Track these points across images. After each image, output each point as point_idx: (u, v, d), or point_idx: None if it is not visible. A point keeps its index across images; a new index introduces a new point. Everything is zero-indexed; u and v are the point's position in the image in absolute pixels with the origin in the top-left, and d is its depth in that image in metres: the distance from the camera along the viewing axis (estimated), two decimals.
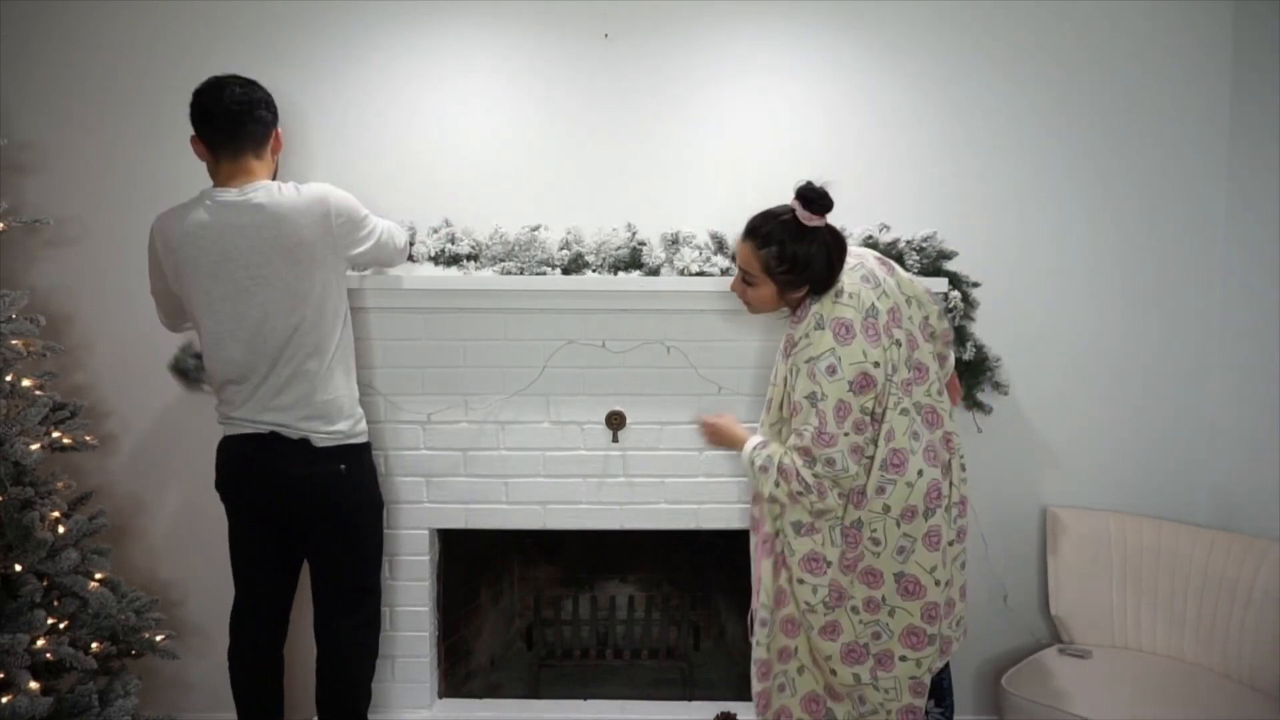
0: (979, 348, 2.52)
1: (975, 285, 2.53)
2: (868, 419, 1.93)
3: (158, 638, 2.29)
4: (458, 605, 2.72)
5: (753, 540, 2.17)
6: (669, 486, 2.53)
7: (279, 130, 2.15)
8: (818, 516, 2.00)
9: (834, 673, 2.07)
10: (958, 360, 2.54)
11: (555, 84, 2.59)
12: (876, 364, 1.91)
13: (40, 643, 1.97)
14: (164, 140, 2.58)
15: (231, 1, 2.55)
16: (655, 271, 2.43)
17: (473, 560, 2.77)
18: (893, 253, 2.45)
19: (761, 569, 2.12)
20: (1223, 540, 2.47)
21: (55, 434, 2.24)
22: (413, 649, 2.57)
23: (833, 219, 1.94)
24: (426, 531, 2.54)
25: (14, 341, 2.10)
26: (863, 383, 1.90)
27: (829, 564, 2.02)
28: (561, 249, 2.45)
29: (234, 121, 2.03)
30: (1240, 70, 2.59)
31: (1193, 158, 2.63)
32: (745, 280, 2.04)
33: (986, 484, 2.72)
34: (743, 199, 2.58)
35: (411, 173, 2.58)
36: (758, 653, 2.14)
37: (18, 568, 2.02)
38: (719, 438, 2.19)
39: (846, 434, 1.90)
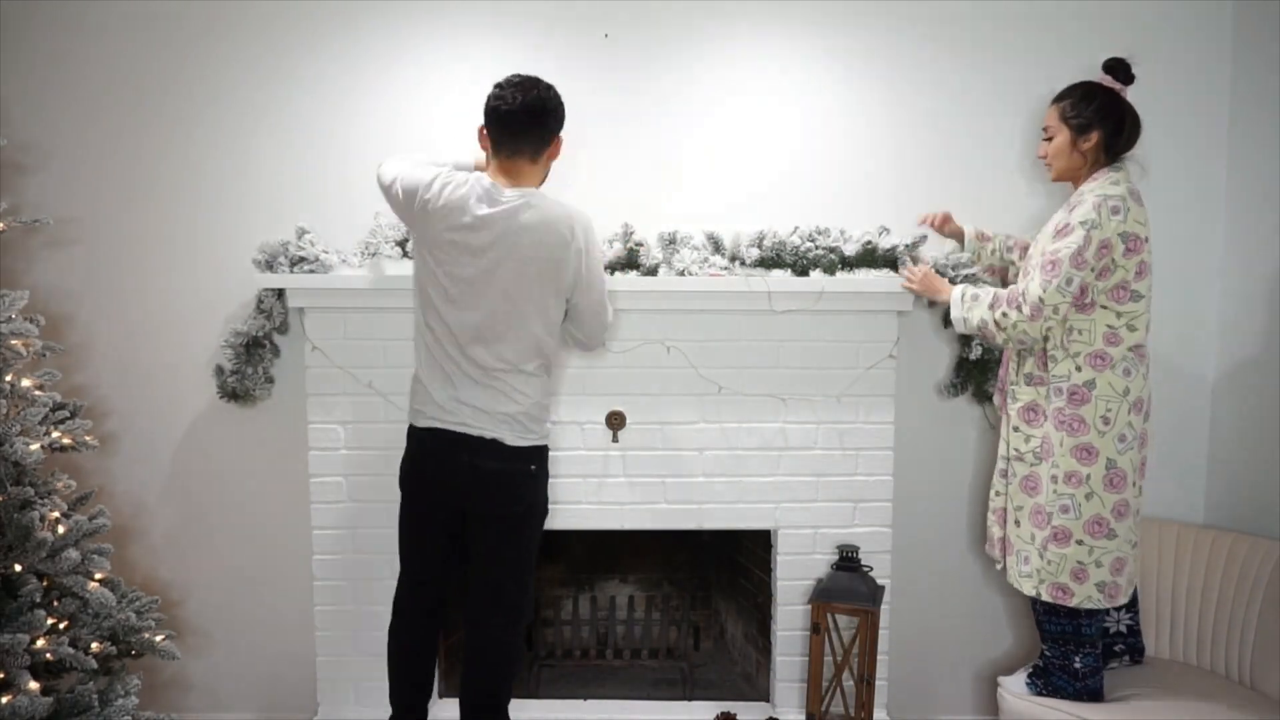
0: (985, 347, 2.52)
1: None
2: (1117, 285, 2.11)
3: (158, 638, 2.29)
4: (458, 605, 2.72)
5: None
6: (669, 486, 2.53)
7: (560, 137, 2.12)
8: (1015, 335, 2.18)
9: (1017, 524, 2.27)
10: (966, 360, 2.55)
11: (555, 83, 2.58)
12: (1148, 240, 2.11)
13: (40, 643, 1.96)
14: (164, 140, 2.58)
15: (231, 2, 2.55)
16: (653, 272, 2.43)
17: None
18: (889, 257, 2.45)
19: (1005, 424, 2.35)
20: (1223, 540, 2.47)
21: (55, 434, 2.23)
22: None
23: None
24: None
25: (14, 341, 2.10)
26: (1133, 244, 2.09)
27: (1045, 417, 2.20)
28: None
29: (515, 122, 2.03)
30: (1240, 70, 2.59)
31: (1193, 157, 2.63)
32: (1045, 138, 2.27)
33: (986, 484, 2.72)
34: (742, 199, 2.61)
35: None
36: (997, 502, 2.38)
37: (18, 568, 2.01)
38: (926, 287, 2.36)
39: (1091, 269, 2.08)
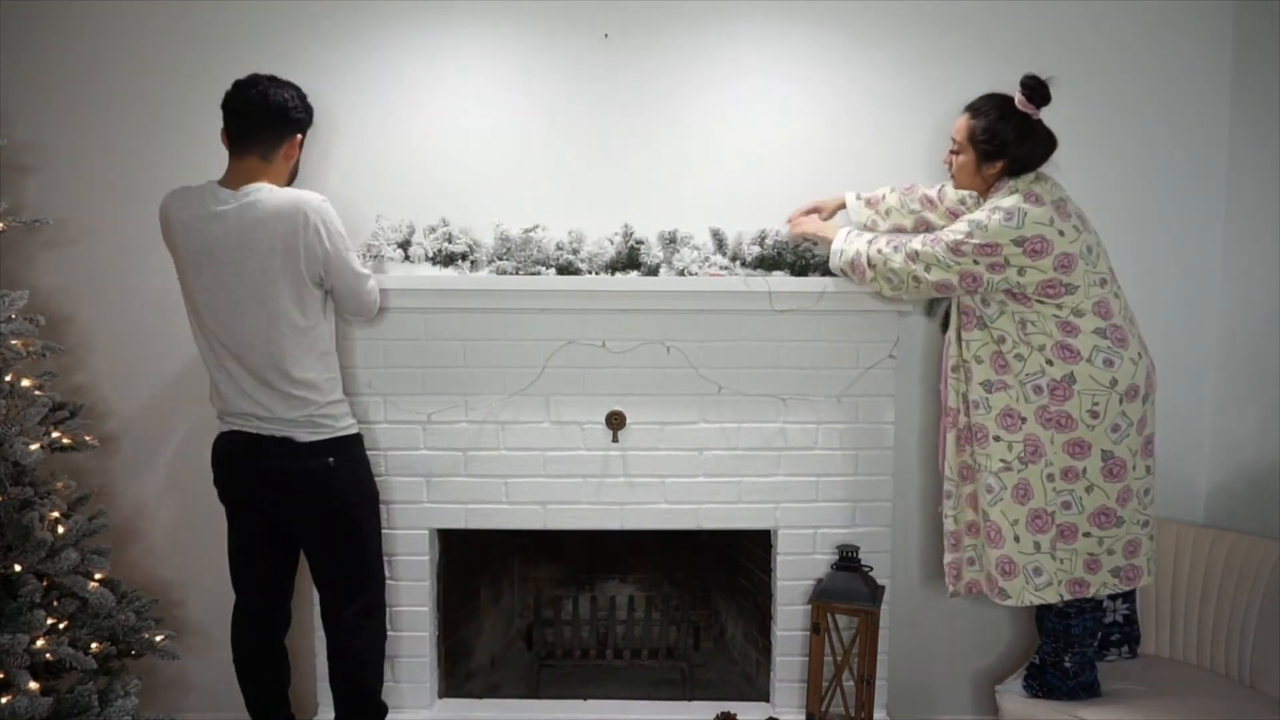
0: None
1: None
2: (1044, 285, 2.09)
3: (158, 638, 2.29)
4: (458, 605, 2.72)
5: (942, 422, 2.36)
6: (669, 486, 2.53)
7: (298, 138, 2.15)
8: (899, 283, 2.20)
9: (1016, 539, 2.18)
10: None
11: (554, 83, 2.59)
12: (1062, 233, 2.07)
13: (40, 643, 1.97)
14: (164, 140, 2.58)
15: (231, 2, 2.55)
16: (654, 271, 2.43)
17: (473, 560, 2.77)
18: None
19: (946, 443, 2.32)
20: (1223, 540, 2.47)
21: (55, 434, 2.24)
22: (413, 649, 2.57)
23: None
24: (426, 531, 2.54)
25: (14, 341, 2.10)
26: (1037, 246, 2.06)
27: (1024, 419, 2.16)
28: (558, 249, 2.44)
29: (242, 120, 2.07)
30: (1240, 70, 2.59)
31: (1193, 157, 2.63)
32: (952, 150, 2.26)
33: None
34: (741, 198, 2.61)
35: (410, 172, 2.58)
36: (947, 524, 2.34)
37: (17, 568, 2.01)
38: (808, 229, 2.40)
39: (974, 261, 2.09)
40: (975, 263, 2.10)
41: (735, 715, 2.57)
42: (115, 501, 2.64)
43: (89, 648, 2.11)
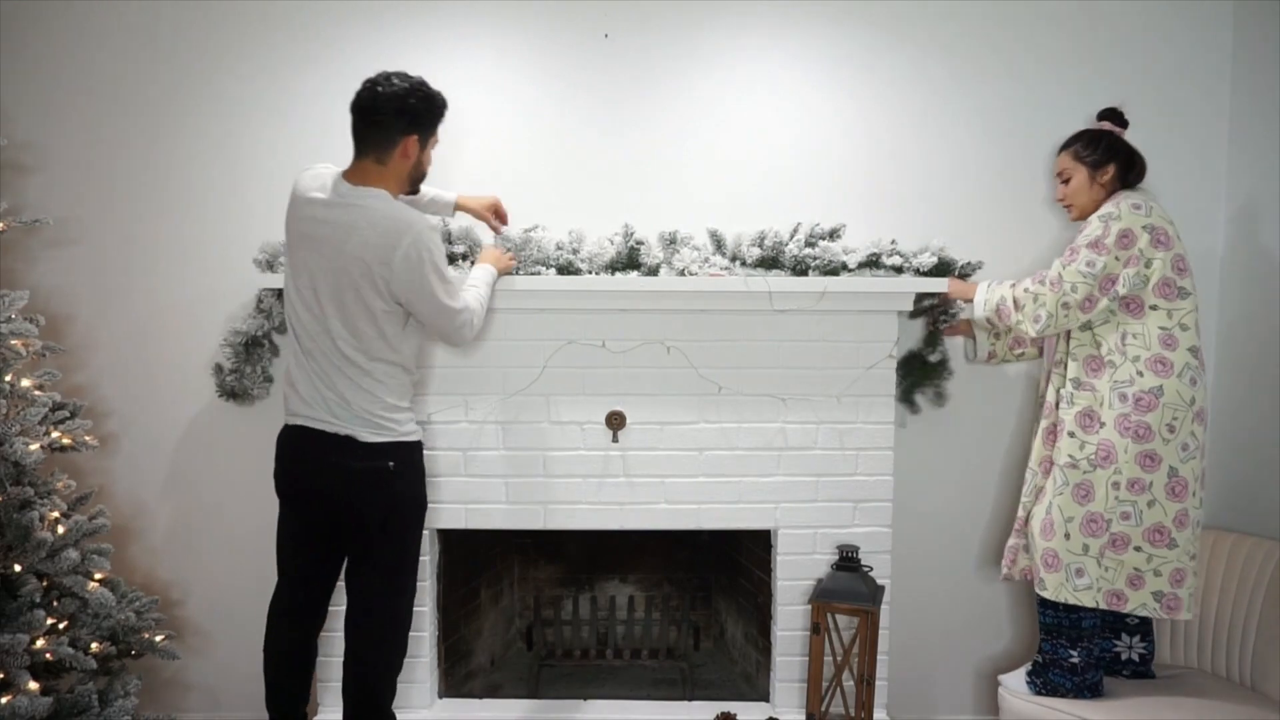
0: (943, 353, 2.60)
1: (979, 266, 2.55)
2: (1160, 282, 2.15)
3: (158, 638, 2.29)
4: (458, 605, 2.72)
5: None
6: (669, 486, 2.53)
7: (412, 139, 2.01)
8: (1046, 316, 2.22)
9: (1067, 536, 2.21)
10: (922, 361, 2.58)
11: (554, 83, 2.59)
12: (1178, 236, 2.18)
13: (40, 643, 1.97)
14: (164, 140, 2.59)
15: (231, 2, 2.55)
16: (653, 271, 2.43)
17: (473, 560, 2.77)
18: (896, 266, 2.45)
19: (1036, 435, 2.36)
20: (1223, 540, 2.47)
21: (55, 434, 2.23)
22: (413, 649, 2.54)
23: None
24: (427, 531, 2.53)
25: (14, 341, 2.10)
26: (1161, 236, 2.15)
27: (1102, 424, 2.18)
28: (557, 250, 2.44)
29: (356, 120, 2.01)
30: (1240, 70, 2.59)
31: (1193, 157, 2.63)
32: (1062, 180, 2.35)
33: (987, 486, 2.72)
34: (742, 199, 2.61)
35: None
36: (1021, 511, 2.37)
37: (18, 568, 2.01)
38: (958, 290, 2.43)
39: (1115, 256, 2.14)
40: (1116, 259, 2.16)
41: (735, 715, 2.56)
42: (115, 501, 2.64)
43: (89, 648, 2.11)
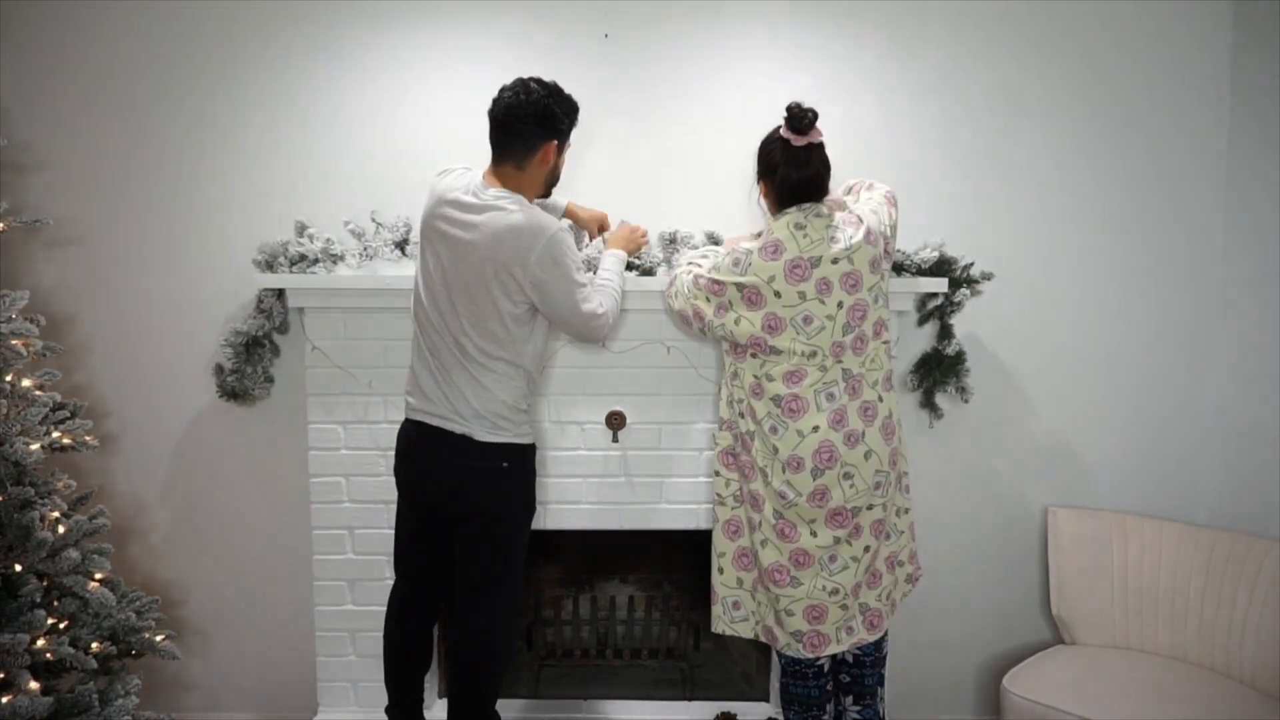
0: (959, 349, 2.56)
1: (988, 277, 2.53)
2: (753, 341, 2.07)
3: (158, 638, 2.29)
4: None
5: None
6: (669, 486, 2.53)
7: (552, 144, 2.05)
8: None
9: (720, 570, 2.24)
10: (939, 354, 2.56)
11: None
12: (778, 294, 2.03)
13: (40, 643, 1.96)
14: (164, 140, 2.59)
15: (230, 2, 2.55)
16: (652, 272, 2.43)
17: None
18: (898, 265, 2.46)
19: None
20: (1223, 540, 2.47)
21: (55, 434, 2.23)
22: None
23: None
24: None
25: (14, 341, 2.10)
26: (752, 296, 2.04)
27: (734, 457, 2.20)
28: None
29: (495, 128, 2.06)
30: (1240, 70, 2.59)
31: (1192, 156, 2.64)
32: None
33: (987, 484, 2.72)
34: (742, 199, 2.60)
35: (408, 171, 2.56)
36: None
37: (18, 568, 2.01)
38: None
39: (705, 299, 2.10)
40: (706, 299, 2.15)
41: (735, 715, 2.57)
42: (115, 501, 2.64)
43: (89, 647, 2.10)
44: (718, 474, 2.23)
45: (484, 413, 2.06)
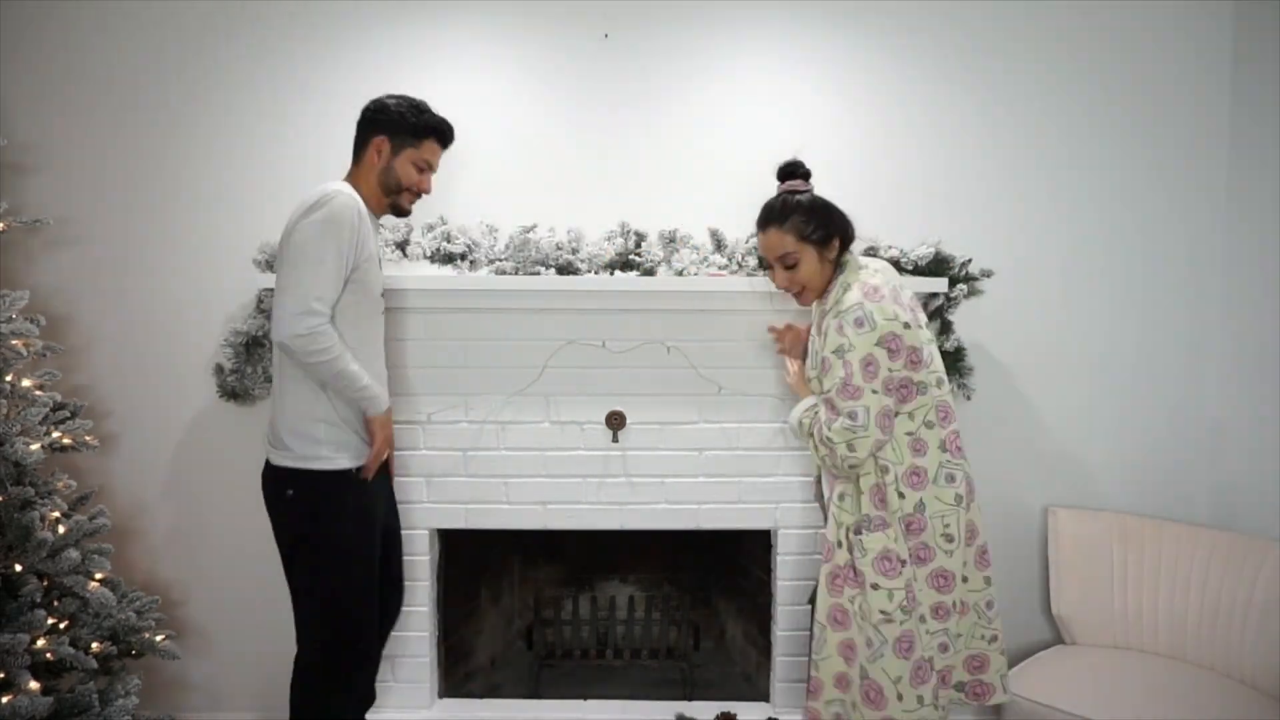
0: (959, 344, 2.55)
1: (988, 275, 2.54)
2: (898, 385, 1.89)
3: (158, 638, 2.29)
4: (458, 605, 2.72)
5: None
6: (669, 486, 2.53)
7: (381, 139, 2.11)
8: (849, 471, 1.93)
9: (900, 697, 1.90)
10: (940, 350, 2.55)
11: (554, 83, 2.60)
12: (907, 325, 1.88)
13: (40, 643, 1.97)
14: (164, 140, 2.59)
15: (230, 2, 2.55)
16: (653, 271, 2.43)
17: (473, 560, 2.77)
18: (888, 259, 2.45)
19: (820, 579, 2.02)
20: (1223, 540, 2.47)
21: (55, 434, 2.24)
22: (413, 649, 2.57)
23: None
24: (426, 531, 2.54)
25: (14, 341, 2.11)
26: (892, 343, 1.86)
27: (903, 562, 1.91)
28: (557, 249, 2.44)
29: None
30: (1240, 70, 2.59)
31: (1193, 157, 2.63)
32: (786, 265, 2.00)
33: (987, 484, 2.72)
34: (741, 199, 2.59)
35: None
36: (812, 669, 2.05)
37: (18, 568, 2.02)
38: (796, 386, 2.23)
39: (875, 391, 1.85)
40: (875, 391, 1.88)
41: (735, 715, 2.57)
42: (115, 501, 2.64)
43: (89, 647, 2.11)
44: (875, 587, 1.91)
45: (275, 428, 2.03)
